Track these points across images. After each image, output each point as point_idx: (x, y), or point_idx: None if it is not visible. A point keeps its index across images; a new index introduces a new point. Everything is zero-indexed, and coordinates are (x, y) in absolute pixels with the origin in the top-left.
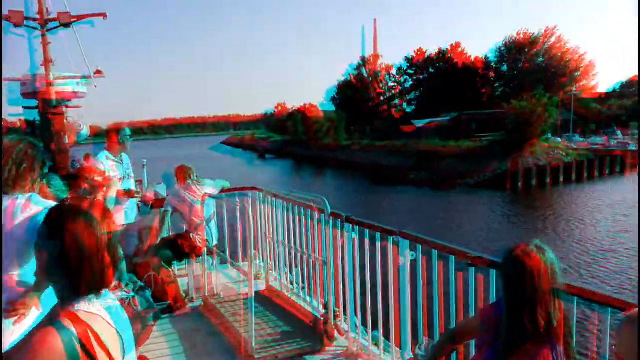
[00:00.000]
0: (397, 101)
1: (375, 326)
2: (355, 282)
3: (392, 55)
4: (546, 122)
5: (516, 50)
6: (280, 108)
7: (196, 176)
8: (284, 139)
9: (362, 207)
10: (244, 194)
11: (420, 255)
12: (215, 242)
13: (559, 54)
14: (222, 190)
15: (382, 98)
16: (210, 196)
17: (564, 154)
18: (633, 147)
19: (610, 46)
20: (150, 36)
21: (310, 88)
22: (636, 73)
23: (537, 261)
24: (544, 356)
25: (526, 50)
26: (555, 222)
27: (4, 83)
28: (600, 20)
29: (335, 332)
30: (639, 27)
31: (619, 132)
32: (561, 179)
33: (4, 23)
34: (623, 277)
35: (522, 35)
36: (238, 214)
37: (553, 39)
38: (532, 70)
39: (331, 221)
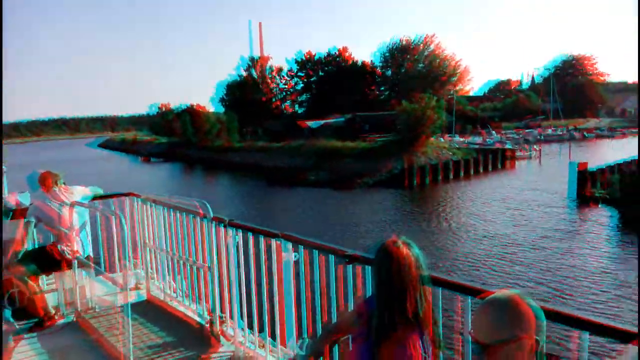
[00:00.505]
0: (288, 102)
1: (261, 328)
2: (241, 286)
3: (280, 57)
4: (435, 123)
5: (399, 56)
6: (164, 108)
7: (63, 182)
8: (171, 140)
9: (260, 210)
10: (121, 201)
11: (303, 255)
12: (88, 252)
13: (438, 60)
14: (96, 197)
15: (273, 99)
16: (81, 204)
17: (451, 152)
18: (509, 145)
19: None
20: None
21: (195, 88)
22: (505, 77)
23: (404, 254)
24: (412, 342)
25: (408, 56)
26: (452, 215)
27: None
28: (472, 27)
29: (222, 338)
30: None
31: (493, 132)
32: (451, 175)
33: None
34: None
35: (404, 42)
36: (114, 222)
37: (432, 46)
38: (414, 74)
39: (214, 225)
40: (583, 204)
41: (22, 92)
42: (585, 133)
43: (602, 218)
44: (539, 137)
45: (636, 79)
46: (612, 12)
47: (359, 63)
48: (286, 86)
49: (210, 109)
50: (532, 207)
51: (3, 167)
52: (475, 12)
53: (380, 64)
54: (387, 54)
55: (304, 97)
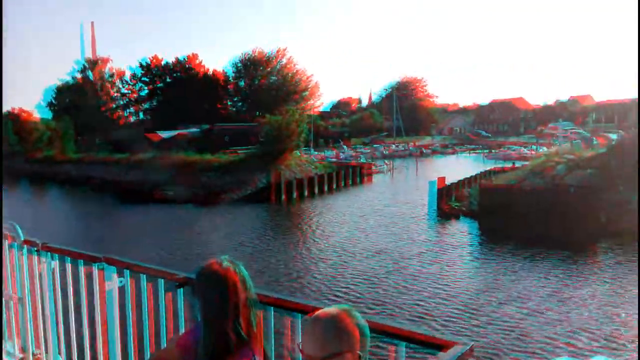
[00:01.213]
0: (132, 109)
1: None
2: (58, 317)
3: (122, 61)
4: (299, 136)
5: (252, 68)
6: None
7: None
8: None
9: (110, 232)
10: None
11: (129, 280)
12: None
13: (290, 74)
14: None
15: (113, 105)
16: None
17: (313, 167)
18: (363, 159)
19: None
20: None
21: (12, 91)
22: (347, 96)
23: (233, 274)
24: None
25: (261, 68)
26: (318, 231)
27: None
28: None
29: None
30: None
31: (345, 147)
32: (317, 190)
33: None
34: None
35: (257, 54)
36: None
37: (284, 60)
38: (267, 87)
39: (25, 250)
40: (443, 217)
41: None
42: (423, 149)
43: (461, 230)
44: (385, 152)
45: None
46: (440, 39)
47: (210, 72)
48: (129, 92)
49: (36, 115)
50: (396, 221)
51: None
52: (320, 32)
53: (233, 75)
54: (239, 65)
55: (148, 105)
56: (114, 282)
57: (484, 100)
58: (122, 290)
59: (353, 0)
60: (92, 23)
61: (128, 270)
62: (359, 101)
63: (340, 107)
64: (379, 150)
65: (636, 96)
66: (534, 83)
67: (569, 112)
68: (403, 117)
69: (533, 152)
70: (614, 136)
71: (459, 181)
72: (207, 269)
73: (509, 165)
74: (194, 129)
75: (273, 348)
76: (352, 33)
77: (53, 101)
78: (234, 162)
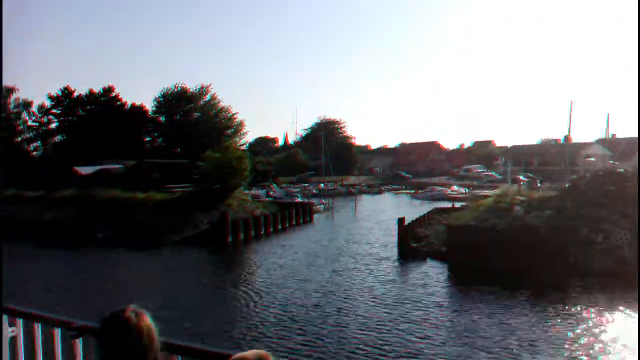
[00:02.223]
0: (38, 143)
1: None
2: None
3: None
4: (243, 173)
5: (175, 103)
6: None
7: None
8: None
9: (21, 282)
10: None
11: (22, 330)
12: None
13: (215, 111)
14: None
15: (18, 139)
16: None
17: (254, 206)
18: (300, 197)
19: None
20: None
21: None
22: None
23: (144, 321)
24: None
25: (184, 103)
26: (273, 274)
27: None
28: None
29: None
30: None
31: (275, 184)
32: (262, 230)
33: None
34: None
35: (179, 89)
36: None
37: (209, 96)
38: (190, 123)
39: None
40: (410, 257)
41: None
42: (351, 188)
43: (430, 270)
44: (315, 191)
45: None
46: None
47: (128, 106)
48: (37, 124)
49: None
50: (368, 262)
51: None
52: (232, 70)
53: (154, 109)
54: (161, 100)
55: (58, 138)
56: (5, 331)
57: (395, 143)
58: (13, 340)
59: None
60: None
61: (21, 319)
62: (277, 140)
63: (260, 145)
64: (308, 189)
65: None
66: (443, 127)
67: (477, 155)
68: (329, 155)
69: (456, 192)
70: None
71: (412, 221)
72: (115, 317)
73: (443, 204)
74: (116, 165)
75: None
76: (263, 72)
77: None
78: (170, 201)
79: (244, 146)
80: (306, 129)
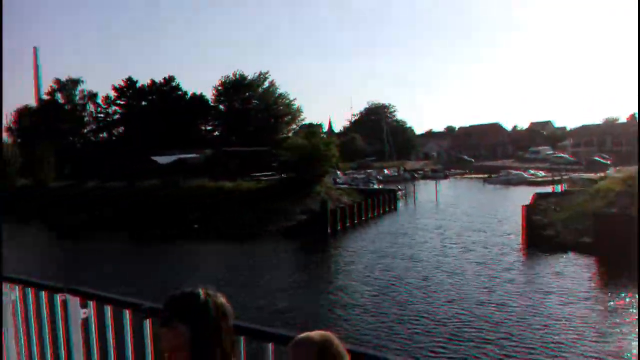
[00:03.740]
0: (105, 134)
1: None
2: (20, 350)
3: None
4: (330, 160)
5: (233, 91)
6: None
7: None
8: None
9: (147, 278)
10: None
11: (93, 311)
12: None
13: (272, 98)
14: None
15: (85, 130)
16: None
17: (339, 193)
18: (375, 184)
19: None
20: None
21: None
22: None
23: (217, 300)
24: None
25: (243, 91)
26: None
27: None
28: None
29: None
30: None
31: (338, 172)
32: (356, 219)
33: None
34: None
35: (238, 77)
36: None
37: (266, 84)
38: (248, 111)
39: None
40: (543, 248)
41: None
42: (415, 173)
43: (574, 264)
44: (379, 177)
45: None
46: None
47: (188, 95)
48: (103, 115)
49: None
50: (491, 253)
51: None
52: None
53: (212, 99)
54: (219, 89)
55: (122, 128)
56: (77, 314)
57: (441, 126)
58: (85, 321)
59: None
60: (34, 49)
61: (92, 302)
62: (321, 127)
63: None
64: (372, 176)
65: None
66: (491, 109)
67: (543, 137)
68: (383, 141)
69: (533, 175)
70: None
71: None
72: (189, 298)
73: (522, 189)
74: (194, 154)
75: None
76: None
77: (11, 126)
78: (259, 190)
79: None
80: (355, 115)
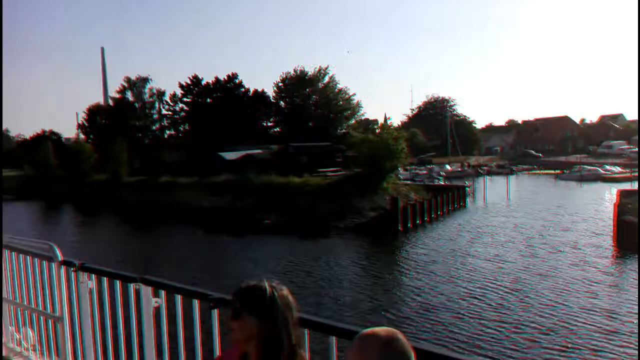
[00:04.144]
0: (172, 131)
1: None
2: (96, 336)
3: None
4: (399, 156)
5: (293, 87)
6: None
7: None
8: (27, 174)
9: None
10: None
11: (164, 300)
12: None
13: (332, 93)
14: None
15: (152, 126)
16: None
17: (405, 189)
18: (440, 180)
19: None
20: None
21: (41, 113)
22: None
23: (281, 292)
24: None
25: (303, 87)
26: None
27: None
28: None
29: None
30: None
31: (399, 168)
32: (426, 217)
33: None
34: None
35: (298, 73)
36: None
37: (326, 78)
38: (308, 107)
39: (63, 270)
40: None
41: None
42: (480, 169)
43: None
44: (442, 173)
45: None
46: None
47: (250, 92)
48: (169, 113)
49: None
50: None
51: None
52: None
53: (274, 94)
54: (280, 85)
55: (188, 125)
56: (149, 302)
57: (517, 118)
58: (157, 310)
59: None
60: (102, 49)
61: (163, 291)
62: (378, 121)
63: (361, 128)
64: (434, 171)
65: None
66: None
67: (616, 130)
68: (444, 136)
69: (610, 171)
70: None
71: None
72: (258, 289)
73: (597, 185)
74: (259, 149)
75: None
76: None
77: (84, 123)
78: (328, 186)
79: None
80: (413, 109)
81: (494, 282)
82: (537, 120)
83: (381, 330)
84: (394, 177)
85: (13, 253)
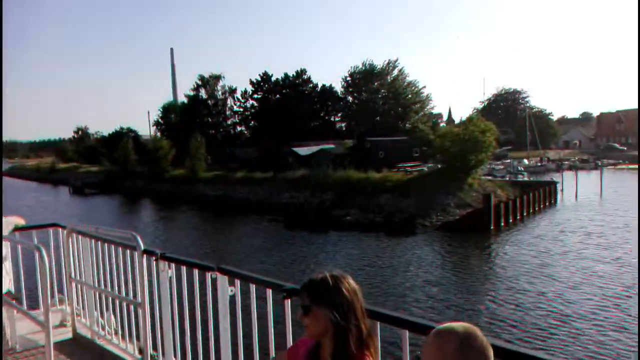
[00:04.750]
0: (242, 127)
1: None
2: (174, 322)
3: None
4: (487, 150)
5: (362, 82)
6: (81, 133)
7: None
8: (106, 169)
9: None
10: (44, 232)
11: (239, 290)
12: (8, 288)
13: (401, 87)
14: (16, 229)
15: (224, 123)
16: None
17: (491, 185)
18: (524, 175)
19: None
20: None
21: (114, 112)
22: None
23: (349, 283)
24: None
25: (371, 81)
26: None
27: None
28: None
29: None
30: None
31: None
32: (517, 215)
33: None
34: None
35: (367, 66)
36: (37, 255)
37: (395, 72)
38: (376, 101)
39: (144, 259)
40: None
41: None
42: (560, 164)
43: None
44: (519, 168)
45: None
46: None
47: (318, 87)
48: (241, 109)
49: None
50: None
51: None
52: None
53: (342, 89)
54: (348, 79)
55: (257, 121)
56: (225, 291)
57: (592, 110)
58: (232, 298)
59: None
60: (172, 49)
61: (239, 280)
62: (442, 116)
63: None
64: (512, 166)
65: None
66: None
67: None
68: (517, 129)
69: None
70: None
71: None
72: (323, 281)
73: None
74: (331, 145)
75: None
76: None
77: (159, 120)
78: (409, 182)
79: (429, 122)
80: (482, 102)
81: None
82: (618, 112)
83: (458, 325)
84: (478, 172)
85: (99, 242)
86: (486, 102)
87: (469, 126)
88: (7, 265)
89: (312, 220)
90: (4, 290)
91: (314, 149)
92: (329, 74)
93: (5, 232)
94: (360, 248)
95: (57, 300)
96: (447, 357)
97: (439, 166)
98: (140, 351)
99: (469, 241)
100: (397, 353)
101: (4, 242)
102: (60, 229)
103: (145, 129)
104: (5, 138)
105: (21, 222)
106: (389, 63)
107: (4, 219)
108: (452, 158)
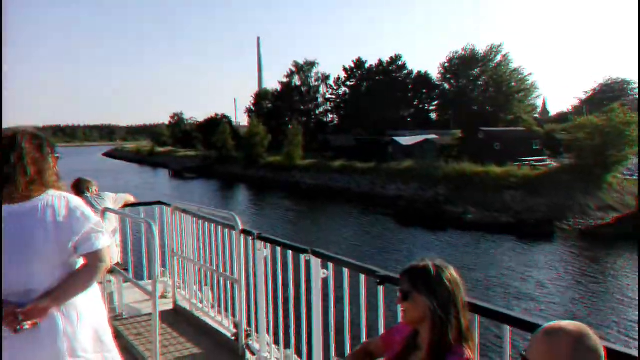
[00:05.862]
0: (335, 114)
1: (287, 344)
2: (268, 300)
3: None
4: (631, 145)
5: (461, 68)
6: (177, 118)
7: (95, 190)
8: (204, 154)
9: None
10: (150, 209)
11: (332, 273)
12: (117, 259)
13: (505, 74)
14: (125, 205)
15: (316, 110)
16: (112, 211)
17: (631, 185)
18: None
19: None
20: None
21: (203, 98)
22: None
23: (456, 274)
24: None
25: (471, 68)
26: None
27: None
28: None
29: (247, 352)
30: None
31: None
32: None
33: None
34: None
35: (468, 52)
36: (143, 230)
37: (498, 57)
38: (475, 88)
39: (242, 238)
40: None
41: (17, 97)
42: None
43: None
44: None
45: None
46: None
47: (414, 74)
48: (333, 96)
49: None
50: None
51: None
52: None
53: (440, 76)
54: (446, 65)
55: (349, 108)
56: (318, 273)
57: None
58: (325, 281)
59: None
60: (258, 38)
61: (331, 264)
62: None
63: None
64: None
65: None
66: None
67: None
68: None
69: None
70: None
71: None
72: (425, 269)
73: None
74: (429, 135)
75: (477, 354)
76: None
77: (251, 107)
78: (538, 178)
79: (532, 113)
80: (586, 92)
81: None
82: None
83: (569, 324)
84: (619, 170)
85: (200, 221)
86: (591, 93)
87: (611, 117)
88: (117, 238)
89: (426, 217)
90: (114, 261)
91: (416, 138)
92: (427, 60)
93: (116, 208)
94: (489, 254)
95: (160, 272)
96: (561, 357)
97: (573, 162)
98: (236, 326)
99: (626, 253)
100: (492, 348)
101: (115, 217)
102: (165, 207)
103: (232, 116)
104: (103, 122)
105: (131, 199)
106: (491, 48)
107: (116, 195)
108: (591, 153)
